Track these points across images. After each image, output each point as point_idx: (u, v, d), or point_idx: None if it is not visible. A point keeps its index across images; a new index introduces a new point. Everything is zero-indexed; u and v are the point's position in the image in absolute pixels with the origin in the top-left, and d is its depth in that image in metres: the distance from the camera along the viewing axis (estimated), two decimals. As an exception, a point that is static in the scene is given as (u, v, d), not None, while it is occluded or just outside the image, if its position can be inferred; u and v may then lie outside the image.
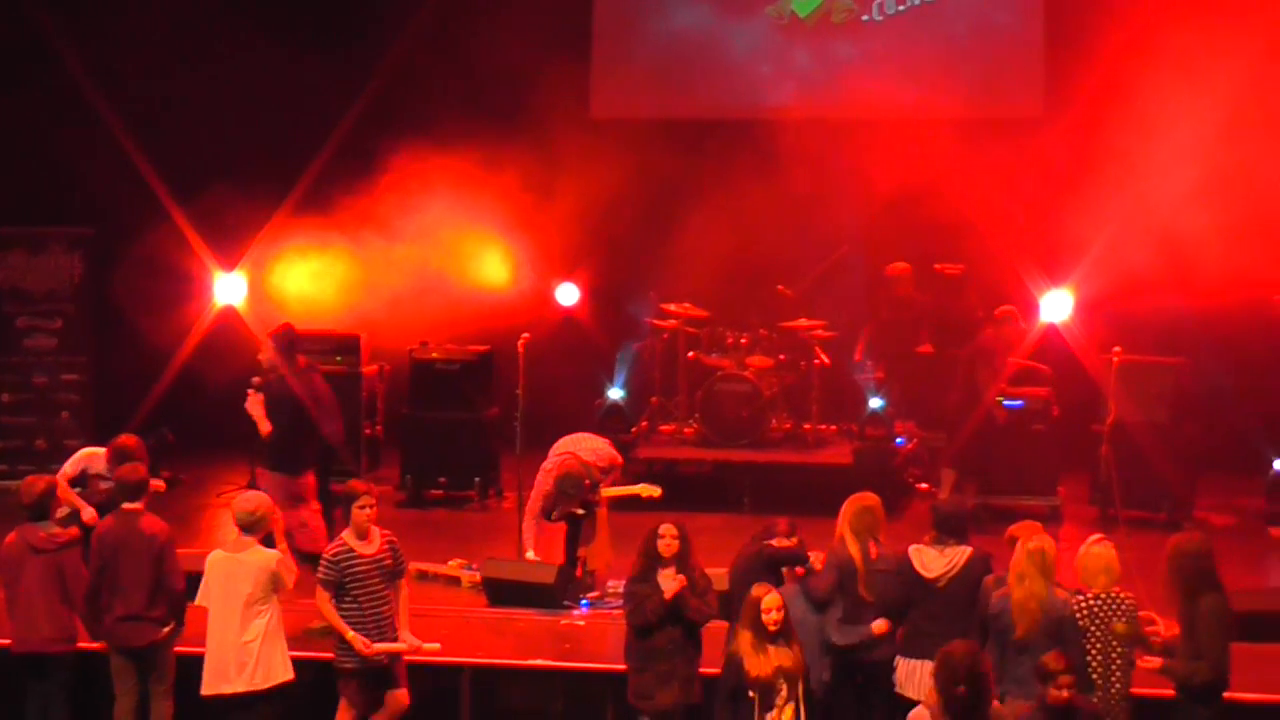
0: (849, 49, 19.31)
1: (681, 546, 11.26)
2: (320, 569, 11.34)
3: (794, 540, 11.42)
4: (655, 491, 13.81)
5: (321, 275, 17.80)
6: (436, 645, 11.66)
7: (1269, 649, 12.18)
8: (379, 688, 11.37)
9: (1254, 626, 11.98)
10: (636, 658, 11.27)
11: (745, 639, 10.60)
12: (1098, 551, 10.70)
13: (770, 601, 10.56)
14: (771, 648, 10.55)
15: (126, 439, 12.82)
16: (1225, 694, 10.45)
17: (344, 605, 11.24)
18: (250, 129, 18.75)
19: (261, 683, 11.03)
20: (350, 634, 11.19)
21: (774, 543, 11.42)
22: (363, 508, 11.39)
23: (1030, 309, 16.92)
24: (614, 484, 14.10)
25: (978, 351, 16.36)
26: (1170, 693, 10.45)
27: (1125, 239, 16.31)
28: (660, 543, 11.26)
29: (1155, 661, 10.40)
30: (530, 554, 13.90)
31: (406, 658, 11.51)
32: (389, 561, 11.44)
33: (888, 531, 11.43)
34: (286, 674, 11.14)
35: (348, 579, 11.25)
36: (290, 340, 14.31)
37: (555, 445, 14.08)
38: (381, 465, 17.76)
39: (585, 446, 14.05)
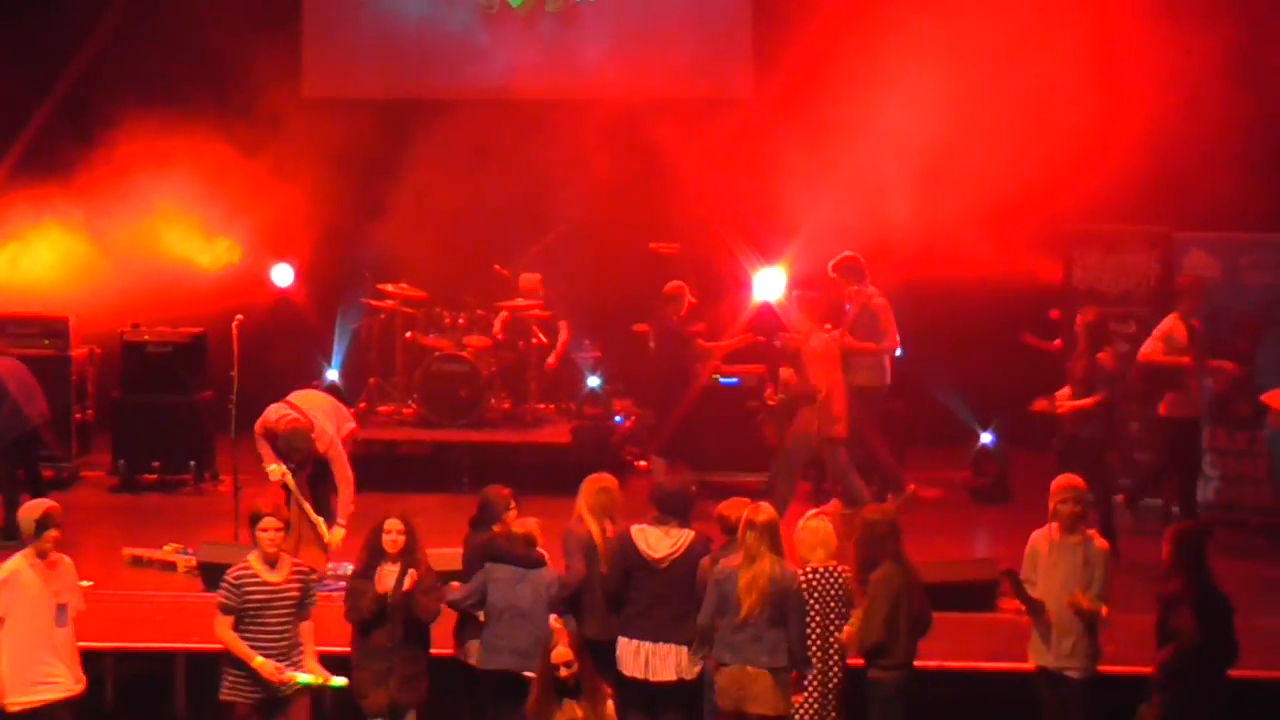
0: (563, 31, 19.38)
1: (407, 541, 10.94)
2: (220, 591, 10.67)
3: (521, 527, 11.19)
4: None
5: (28, 256, 17.40)
6: (344, 681, 10.82)
7: (965, 618, 12.53)
8: None
9: (948, 596, 12.32)
10: (355, 654, 11.01)
11: (534, 692, 10.41)
12: (814, 526, 10.89)
13: (559, 655, 10.31)
14: (564, 704, 10.34)
15: None
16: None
17: (239, 633, 10.56)
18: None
19: None
20: (258, 660, 10.46)
21: (503, 538, 11.19)
22: (265, 531, 10.60)
23: (745, 287, 17.19)
24: (348, 442, 13.98)
25: (664, 335, 16.45)
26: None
27: (835, 218, 16.59)
28: (385, 538, 10.93)
29: (843, 633, 10.69)
30: (272, 467, 13.69)
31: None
32: (295, 593, 10.67)
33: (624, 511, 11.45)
34: None
35: (247, 605, 10.55)
36: None
37: (289, 399, 13.92)
38: (93, 450, 17.44)
39: (320, 410, 13.89)
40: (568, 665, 10.33)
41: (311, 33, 19.66)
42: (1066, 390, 14.46)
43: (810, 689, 10.65)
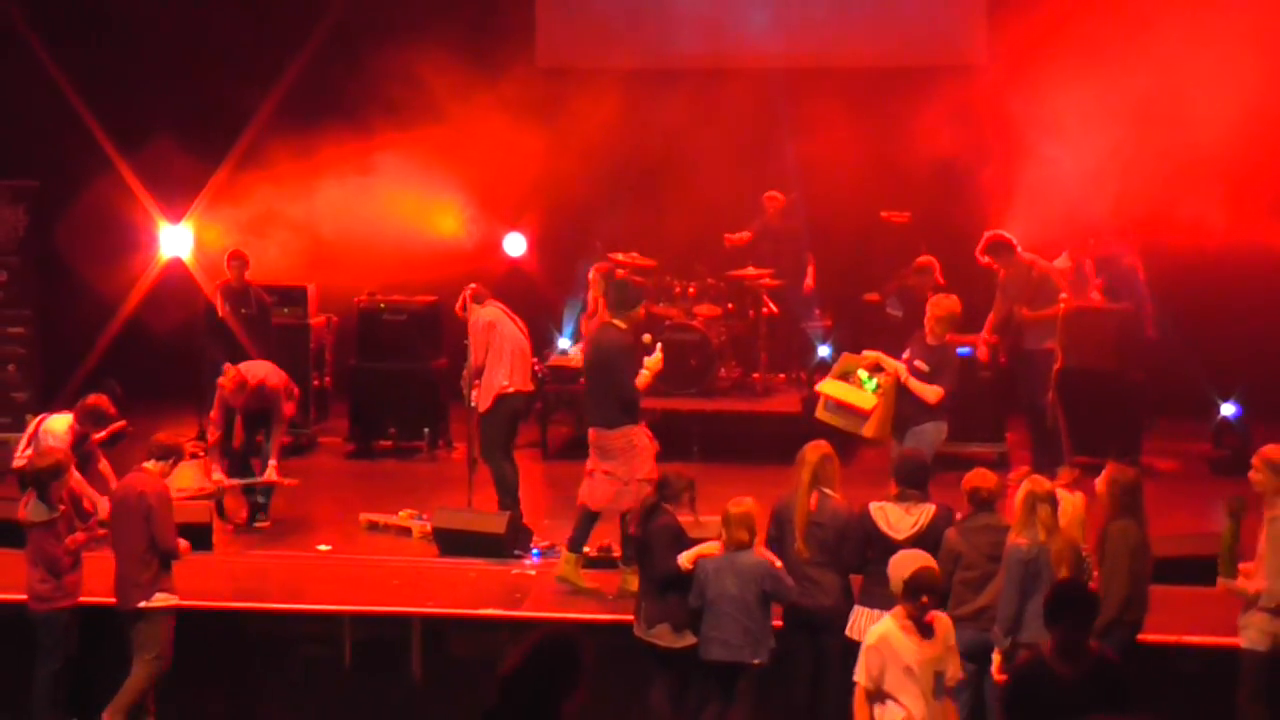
0: (792, -2, 19.29)
1: None
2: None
3: (738, 506, 10.81)
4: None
5: (269, 226, 17.74)
6: None
7: (1202, 591, 12.27)
8: None
9: (1185, 569, 12.09)
10: None
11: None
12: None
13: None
14: None
15: (96, 399, 12.81)
16: (1140, 635, 10.67)
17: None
18: (196, 80, 18.66)
19: None
20: None
21: (671, 518, 10.98)
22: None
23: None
24: None
25: (914, 307, 16.29)
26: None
27: (1071, 185, 16.36)
28: None
29: None
30: None
31: None
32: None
33: (842, 480, 11.32)
34: None
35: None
36: None
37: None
38: (330, 416, 17.76)
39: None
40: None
41: (545, 3, 19.78)
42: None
43: None
